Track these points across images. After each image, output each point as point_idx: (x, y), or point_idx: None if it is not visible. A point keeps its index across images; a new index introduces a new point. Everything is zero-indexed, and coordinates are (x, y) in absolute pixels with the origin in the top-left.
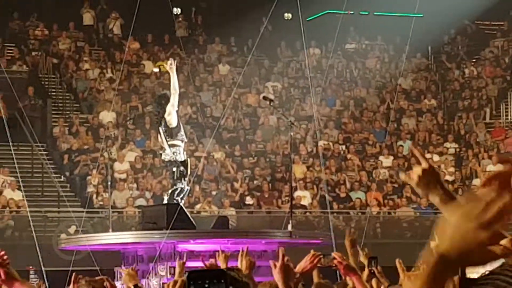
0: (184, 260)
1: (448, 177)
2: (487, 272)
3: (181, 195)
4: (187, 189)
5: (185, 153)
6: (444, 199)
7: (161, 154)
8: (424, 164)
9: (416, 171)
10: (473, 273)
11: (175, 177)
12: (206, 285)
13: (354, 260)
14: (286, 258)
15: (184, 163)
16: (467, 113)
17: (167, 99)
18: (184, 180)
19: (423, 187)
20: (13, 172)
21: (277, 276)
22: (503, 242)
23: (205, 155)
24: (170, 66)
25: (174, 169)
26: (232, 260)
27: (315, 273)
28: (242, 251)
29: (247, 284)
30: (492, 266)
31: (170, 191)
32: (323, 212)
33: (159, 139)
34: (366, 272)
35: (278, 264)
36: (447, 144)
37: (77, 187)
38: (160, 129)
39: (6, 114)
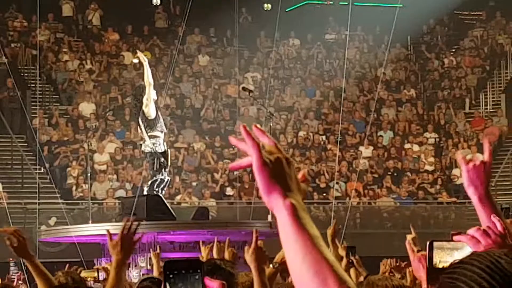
0: (158, 251)
1: (428, 167)
2: (456, 261)
3: (161, 186)
4: (168, 180)
5: (165, 144)
6: None
7: (141, 145)
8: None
9: None
10: (442, 263)
11: (155, 168)
12: (182, 275)
13: (334, 252)
14: (259, 242)
15: (164, 154)
16: (446, 103)
17: (143, 90)
18: (165, 171)
19: None
20: None
21: (249, 259)
22: (470, 231)
23: (186, 146)
24: (142, 58)
25: (154, 160)
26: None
27: None
28: (222, 242)
29: (231, 274)
30: (461, 255)
31: (150, 182)
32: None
33: (139, 131)
34: (344, 262)
35: (251, 246)
36: (427, 134)
37: (57, 179)
38: (139, 120)
39: None
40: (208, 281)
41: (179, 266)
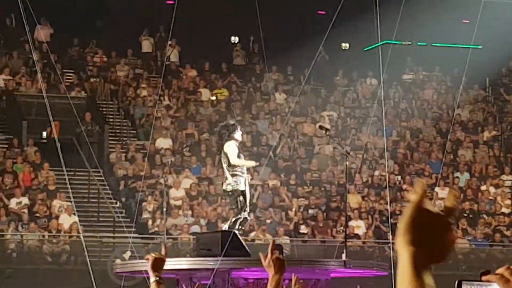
0: None
1: (504, 209)
2: None
3: (244, 224)
4: (248, 219)
5: (246, 182)
6: None
7: (222, 184)
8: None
9: None
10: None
11: (239, 207)
12: None
13: None
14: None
15: (243, 193)
16: None
17: (231, 128)
18: (244, 210)
19: None
20: (69, 197)
21: (266, 265)
22: (500, 270)
23: (261, 183)
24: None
25: (237, 198)
26: None
27: None
28: (293, 279)
29: None
30: None
31: (233, 220)
32: (378, 242)
33: (224, 168)
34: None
35: (268, 257)
36: (504, 176)
37: (132, 213)
38: (222, 159)
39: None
40: None
41: None
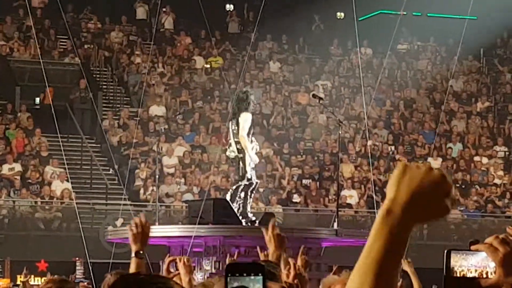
0: (235, 257)
1: (496, 180)
2: None
3: (247, 191)
4: (255, 184)
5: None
6: None
7: (225, 150)
8: None
9: None
10: (457, 267)
11: (240, 174)
12: (243, 277)
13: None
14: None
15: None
16: None
17: (247, 100)
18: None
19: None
20: (62, 163)
21: (268, 242)
22: (488, 240)
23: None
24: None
25: (241, 165)
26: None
27: None
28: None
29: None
30: (477, 260)
31: (234, 187)
32: (370, 212)
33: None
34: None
35: (269, 233)
36: (497, 147)
37: (125, 180)
38: (230, 125)
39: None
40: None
41: (241, 269)
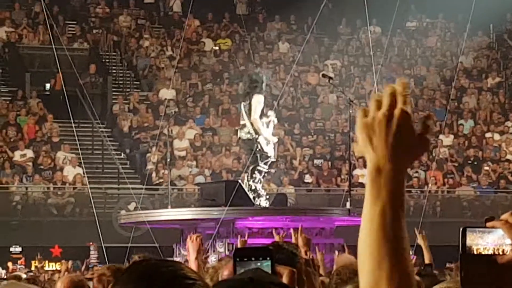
0: (246, 238)
1: (509, 156)
2: None
3: (261, 173)
4: (267, 165)
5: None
6: None
7: (237, 131)
8: None
9: None
10: (473, 245)
11: (257, 156)
12: (252, 262)
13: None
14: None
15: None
16: None
17: (259, 82)
18: (261, 160)
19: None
20: (74, 149)
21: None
22: (504, 216)
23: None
24: None
25: (259, 147)
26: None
27: None
28: (297, 228)
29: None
30: (494, 237)
31: (250, 169)
32: None
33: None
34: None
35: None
36: (508, 123)
37: (136, 164)
38: (242, 107)
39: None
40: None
41: (249, 253)
